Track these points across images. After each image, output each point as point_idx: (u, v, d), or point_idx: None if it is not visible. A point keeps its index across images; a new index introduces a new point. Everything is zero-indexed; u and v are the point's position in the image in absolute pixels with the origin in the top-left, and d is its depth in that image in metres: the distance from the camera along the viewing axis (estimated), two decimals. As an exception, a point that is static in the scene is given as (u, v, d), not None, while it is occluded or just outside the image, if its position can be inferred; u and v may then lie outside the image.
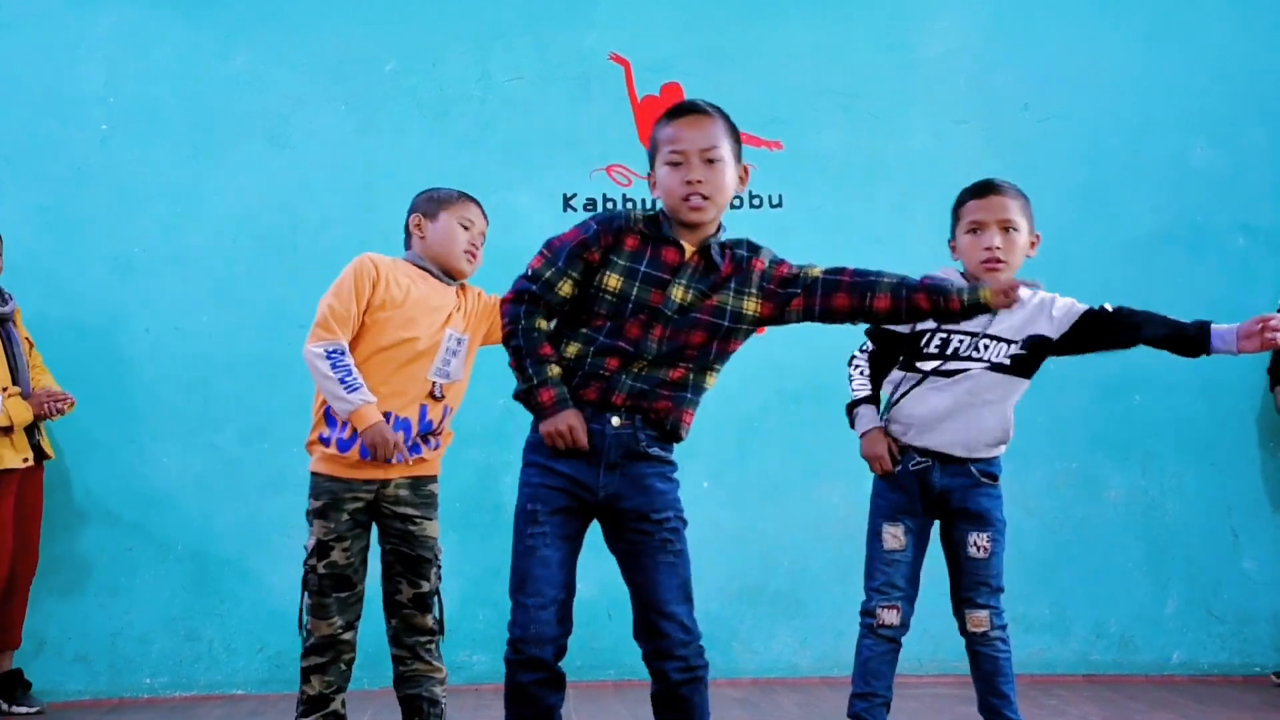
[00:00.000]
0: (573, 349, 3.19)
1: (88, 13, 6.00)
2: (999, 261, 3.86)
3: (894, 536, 3.89)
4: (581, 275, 3.19)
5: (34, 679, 5.57)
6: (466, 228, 4.15)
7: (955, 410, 3.86)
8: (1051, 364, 5.85)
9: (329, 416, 4.02)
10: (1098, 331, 3.92)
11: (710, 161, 3.21)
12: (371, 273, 4.02)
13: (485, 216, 4.24)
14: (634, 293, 3.18)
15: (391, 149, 5.96)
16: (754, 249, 3.34)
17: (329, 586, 4.00)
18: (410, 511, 4.07)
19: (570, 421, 3.11)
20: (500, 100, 6.06)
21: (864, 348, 4.05)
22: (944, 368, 3.87)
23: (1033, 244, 3.97)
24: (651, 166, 3.30)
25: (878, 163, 6.01)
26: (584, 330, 3.19)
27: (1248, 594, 6.04)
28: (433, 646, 4.11)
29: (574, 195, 6.00)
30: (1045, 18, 6.22)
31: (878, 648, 3.91)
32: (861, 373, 4.02)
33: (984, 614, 3.87)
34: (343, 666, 4.04)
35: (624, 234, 3.23)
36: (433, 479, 4.13)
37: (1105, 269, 6.07)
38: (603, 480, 3.18)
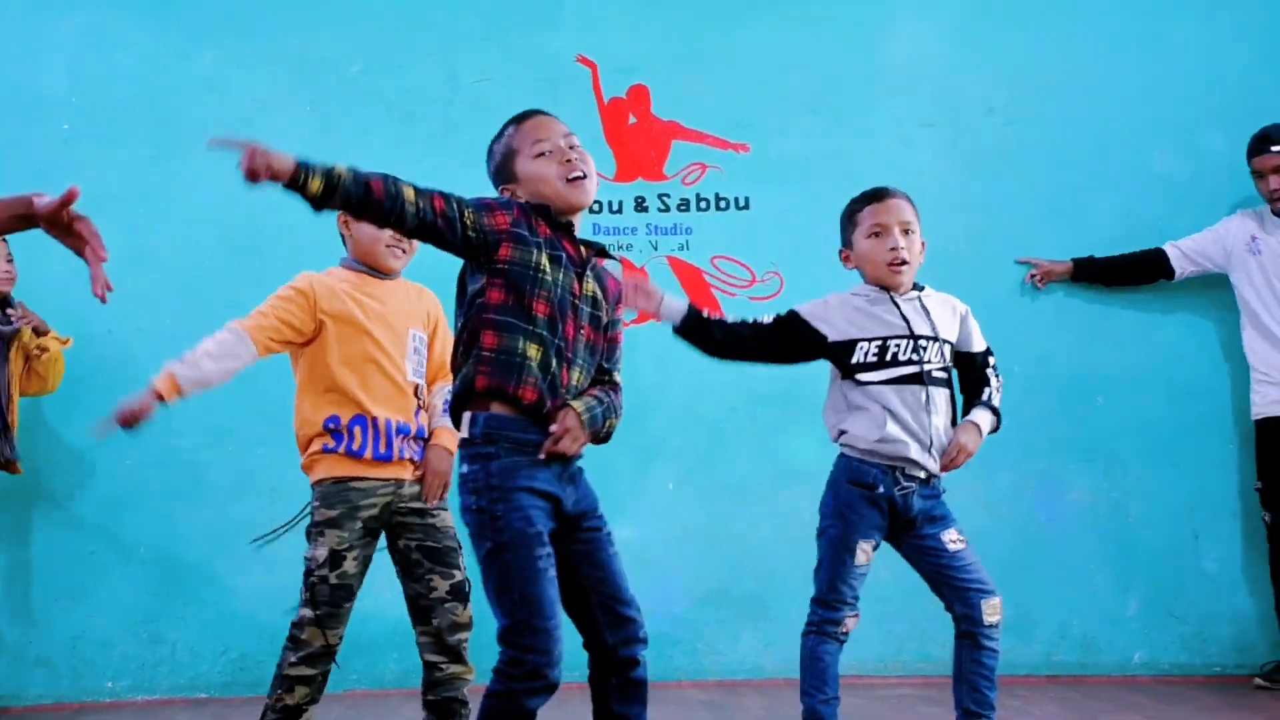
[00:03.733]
0: (534, 350, 3.13)
1: (51, 13, 5.97)
2: (904, 262, 3.93)
3: (866, 554, 3.90)
4: (479, 231, 3.13)
5: (-6, 683, 5.55)
6: None
7: (933, 424, 3.88)
8: (1016, 366, 5.93)
9: (332, 430, 3.98)
10: (970, 369, 4.02)
11: (573, 147, 3.29)
12: (309, 291, 4.02)
13: None
14: (563, 281, 3.19)
15: (358, 151, 5.86)
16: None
17: (340, 597, 3.95)
18: (426, 505, 4.04)
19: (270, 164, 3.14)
20: (467, 102, 6.05)
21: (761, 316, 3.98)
22: (897, 375, 3.89)
23: (921, 248, 4.01)
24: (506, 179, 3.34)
25: (844, 166, 6.03)
26: (533, 328, 3.14)
27: (1209, 594, 6.07)
28: (468, 644, 4.06)
29: (540, 197, 5.99)
30: (1010, 22, 6.25)
31: (838, 653, 3.92)
32: (723, 319, 3.93)
33: (998, 600, 3.86)
34: (321, 679, 4.00)
35: (527, 212, 3.23)
36: None
37: (1069, 273, 6.12)
38: (568, 490, 3.18)
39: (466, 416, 3.14)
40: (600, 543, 3.23)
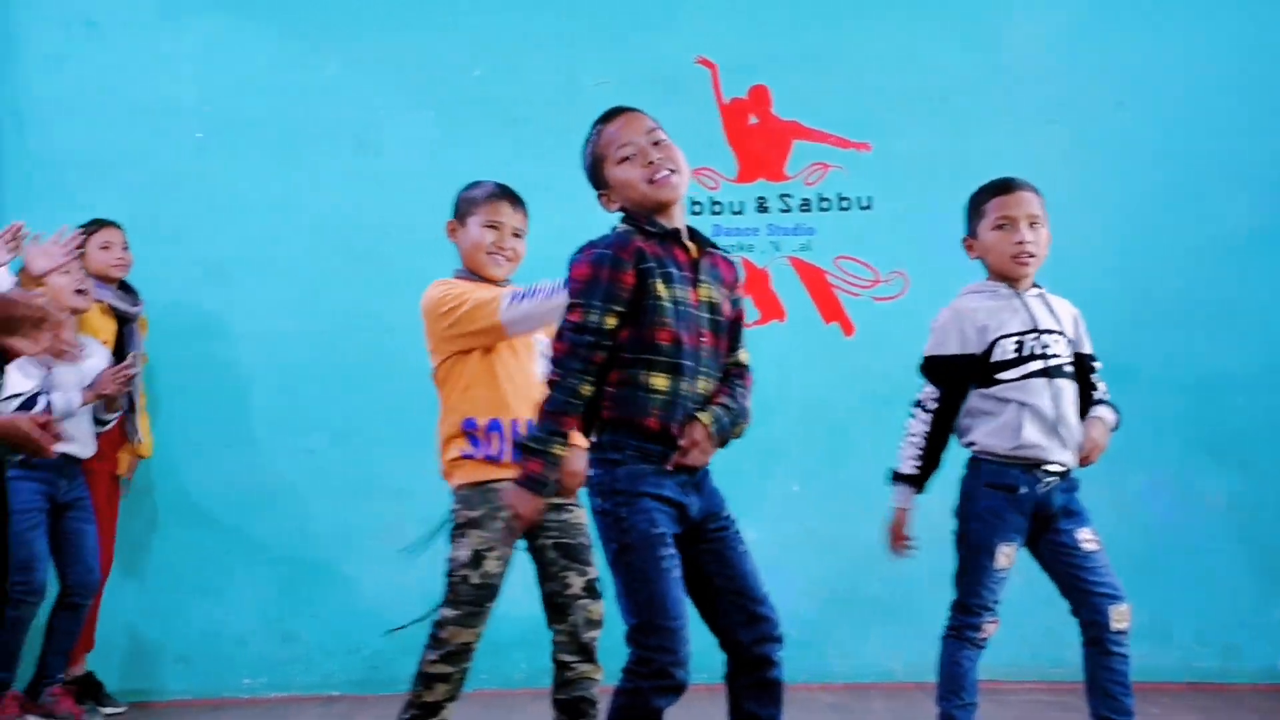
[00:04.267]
0: (659, 381, 3.12)
1: (180, 24, 6.11)
2: (1030, 255, 3.87)
3: (1008, 557, 3.84)
4: (628, 306, 3.14)
5: (135, 679, 5.71)
6: (495, 227, 4.06)
7: (1064, 417, 3.82)
8: (1147, 366, 5.81)
9: (467, 435, 4.00)
10: (1081, 375, 3.94)
11: (657, 143, 3.25)
12: (459, 284, 4.04)
13: (522, 209, 4.12)
14: (684, 297, 3.17)
15: (477, 155, 5.98)
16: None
17: (483, 596, 3.98)
18: (563, 501, 4.05)
19: (540, 508, 3.15)
20: (586, 105, 5.97)
21: (924, 400, 3.99)
22: (1031, 370, 3.83)
23: (1047, 242, 3.94)
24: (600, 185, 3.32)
25: (967, 164, 5.90)
26: (658, 358, 3.12)
27: (1354, 599, 5.91)
28: (598, 643, 4.04)
29: (660, 200, 6.00)
30: (1137, 14, 6.12)
31: (976, 659, 3.86)
32: (918, 438, 3.99)
33: (1127, 607, 3.79)
34: (460, 676, 4.02)
35: (638, 245, 3.18)
36: None
37: (1199, 271, 5.98)
38: (692, 498, 3.17)
39: (595, 427, 3.18)
40: (729, 541, 3.21)
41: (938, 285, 5.86)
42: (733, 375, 3.28)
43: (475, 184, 4.19)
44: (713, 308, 3.21)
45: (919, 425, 3.97)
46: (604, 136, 3.30)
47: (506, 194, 4.13)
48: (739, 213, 6.09)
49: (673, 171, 3.21)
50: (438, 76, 6.12)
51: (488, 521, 3.96)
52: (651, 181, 3.20)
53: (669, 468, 3.11)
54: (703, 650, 3.12)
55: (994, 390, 3.84)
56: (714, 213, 6.05)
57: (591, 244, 3.17)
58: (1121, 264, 5.96)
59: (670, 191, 3.21)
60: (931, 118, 6.09)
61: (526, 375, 4.02)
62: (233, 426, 5.94)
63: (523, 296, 3.87)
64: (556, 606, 4.04)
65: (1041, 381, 3.82)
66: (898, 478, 4.03)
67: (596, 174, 3.31)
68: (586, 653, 4.00)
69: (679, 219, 3.24)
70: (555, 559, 4.02)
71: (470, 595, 3.94)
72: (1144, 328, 5.81)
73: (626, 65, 6.09)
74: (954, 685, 3.85)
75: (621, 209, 3.26)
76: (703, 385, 3.17)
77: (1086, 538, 3.83)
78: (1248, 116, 6.05)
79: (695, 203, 6.00)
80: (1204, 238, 5.99)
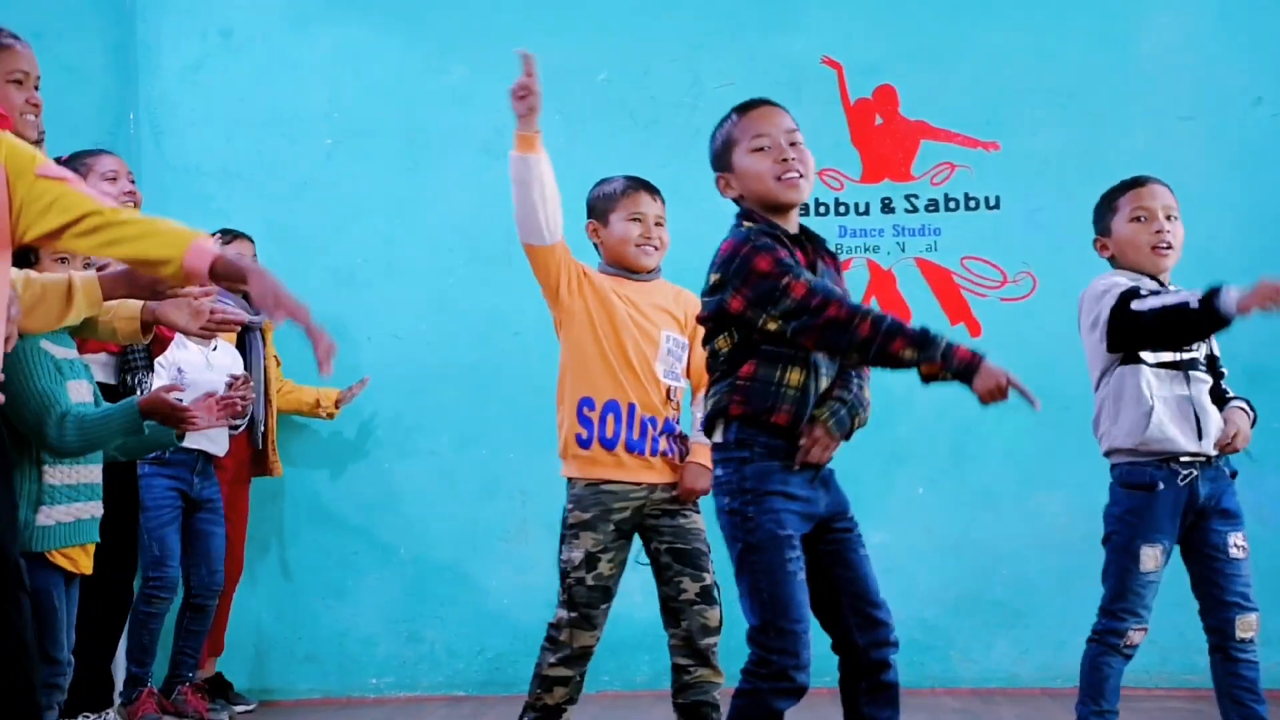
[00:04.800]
0: (795, 376, 3.11)
1: (310, 33, 6.22)
2: (1169, 246, 3.83)
3: (1153, 559, 3.76)
4: None
5: (266, 677, 5.82)
6: (638, 220, 4.10)
7: (1202, 408, 3.75)
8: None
9: (582, 416, 4.02)
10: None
11: (794, 144, 3.22)
12: (584, 268, 4.08)
13: (659, 197, 4.16)
14: None
15: (604, 158, 5.97)
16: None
17: (597, 598, 4.00)
18: (678, 507, 4.06)
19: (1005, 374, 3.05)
20: (711, 107, 6.02)
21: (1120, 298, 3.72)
22: (1171, 359, 3.76)
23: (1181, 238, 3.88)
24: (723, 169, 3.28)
25: (1097, 162, 5.83)
26: (795, 353, 3.10)
27: None
28: (717, 648, 4.06)
29: (785, 200, 5.98)
30: (1274, 6, 5.98)
31: (1120, 666, 3.79)
32: (1162, 301, 3.65)
33: (1255, 617, 3.72)
34: (579, 679, 4.04)
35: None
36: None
37: (1341, 268, 5.82)
38: (819, 494, 3.15)
39: (720, 423, 3.16)
40: (851, 543, 3.20)
41: (1066, 286, 5.77)
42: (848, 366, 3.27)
43: (604, 181, 4.24)
44: None
45: (1151, 301, 3.66)
46: (742, 122, 3.28)
47: (643, 184, 4.18)
48: (864, 213, 6.05)
49: (802, 175, 3.20)
50: (563, 80, 6.13)
51: (599, 524, 3.97)
52: (780, 179, 3.19)
53: (795, 466, 3.10)
54: (822, 654, 3.11)
55: (1137, 370, 3.75)
56: (839, 213, 6.02)
57: (740, 240, 3.14)
58: (1257, 264, 5.75)
59: (796, 194, 3.21)
60: (1060, 115, 6.00)
61: (644, 371, 4.03)
62: (360, 430, 6.03)
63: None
64: (671, 611, 4.04)
65: (1177, 372, 3.76)
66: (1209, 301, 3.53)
67: (723, 156, 3.30)
68: (702, 658, 4.00)
69: (794, 221, 3.24)
70: (670, 563, 4.02)
71: (585, 598, 3.95)
72: (1280, 327, 5.67)
73: (752, 66, 6.08)
74: (1093, 691, 3.79)
75: (738, 198, 3.26)
76: (824, 384, 3.16)
77: (1237, 543, 3.76)
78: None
79: (820, 204, 5.97)
80: (1346, 238, 5.83)
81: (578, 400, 4.02)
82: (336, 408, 5.77)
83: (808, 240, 3.25)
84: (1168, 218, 3.85)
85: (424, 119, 6.15)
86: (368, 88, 6.18)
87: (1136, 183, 3.91)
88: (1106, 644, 3.78)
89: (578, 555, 3.96)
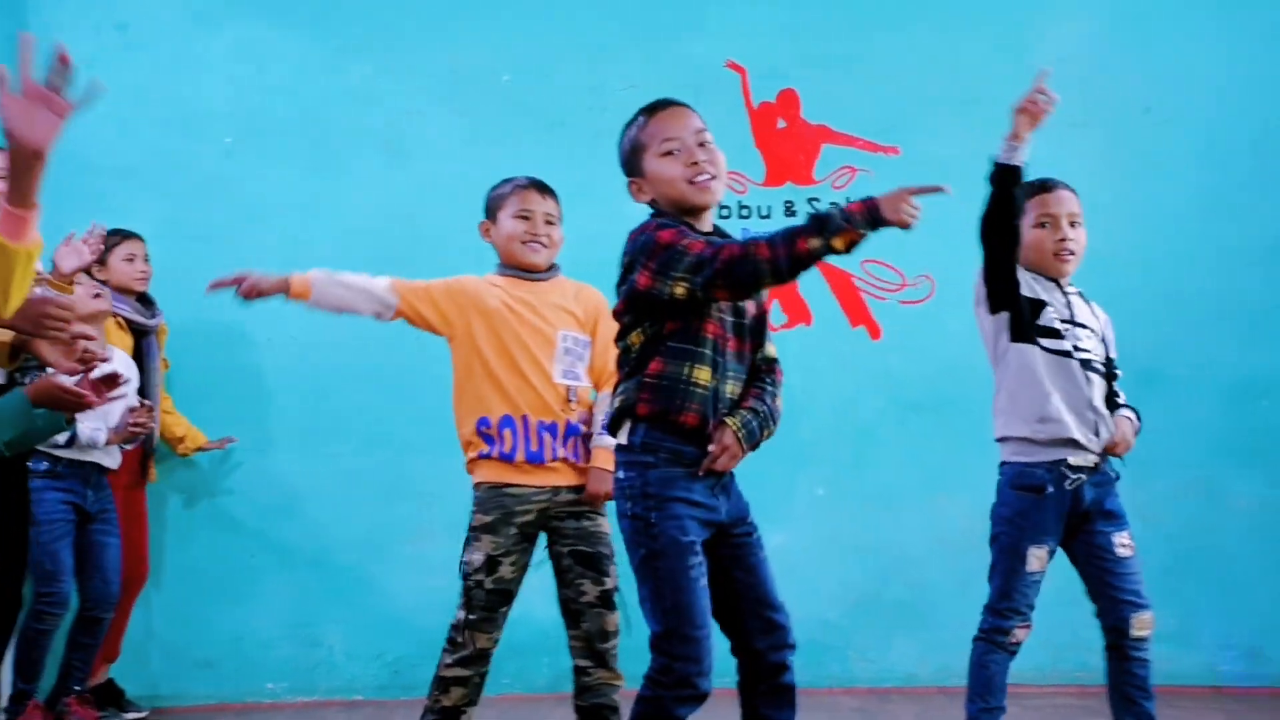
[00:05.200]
0: (703, 374, 3.10)
1: (211, 29, 6.14)
2: (1071, 253, 3.93)
3: (1039, 560, 3.83)
4: None
5: (159, 684, 5.71)
6: (526, 217, 4.09)
7: (1097, 400, 3.82)
8: (1175, 369, 5.80)
9: (480, 433, 4.02)
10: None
11: (703, 144, 3.21)
12: (468, 286, 4.09)
13: (551, 196, 4.15)
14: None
15: (507, 160, 5.93)
16: None
17: (496, 601, 3.99)
18: (584, 509, 4.05)
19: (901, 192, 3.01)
20: (615, 110, 5.98)
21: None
22: (1064, 348, 3.83)
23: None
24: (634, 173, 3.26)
25: (995, 168, 5.94)
26: (703, 351, 3.10)
27: (1381, 604, 5.89)
28: (616, 651, 4.07)
29: (688, 203, 6.00)
30: (1164, 20, 6.12)
31: (1006, 664, 3.86)
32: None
33: (1149, 615, 3.80)
34: (478, 680, 4.03)
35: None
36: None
37: (1230, 275, 5.97)
38: (721, 501, 3.16)
39: (626, 425, 3.15)
40: (751, 548, 3.21)
41: (964, 289, 5.82)
42: (763, 373, 3.27)
43: (502, 181, 4.23)
44: (738, 311, 3.20)
45: None
46: (650, 126, 3.26)
47: (534, 183, 4.18)
48: (766, 216, 6.09)
49: (714, 176, 3.19)
50: (467, 82, 6.14)
51: (501, 526, 3.96)
52: (692, 182, 3.18)
53: (700, 473, 3.10)
54: (724, 654, 3.13)
55: (1035, 352, 3.82)
56: (742, 216, 6.05)
57: (656, 220, 3.16)
58: (1151, 268, 5.94)
59: (709, 196, 3.20)
60: (960, 121, 6.08)
61: (537, 373, 4.03)
62: (261, 431, 5.95)
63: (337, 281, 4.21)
64: (571, 613, 4.05)
65: (1076, 365, 3.83)
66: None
67: (633, 161, 3.27)
68: (602, 660, 4.01)
69: (709, 223, 3.23)
70: (571, 565, 4.03)
71: (484, 600, 3.95)
72: (1173, 331, 5.81)
73: (656, 69, 6.10)
74: (982, 689, 3.86)
75: (651, 202, 3.24)
76: (731, 388, 3.17)
77: (1122, 542, 3.84)
78: (1273, 119, 6.04)
79: (724, 206, 5.99)
80: (1233, 242, 5.98)
81: (474, 420, 4.03)
82: (193, 451, 5.73)
83: (721, 240, 3.21)
84: (1071, 224, 3.94)
85: (326, 119, 6.10)
86: (269, 86, 6.12)
87: (1044, 188, 4.01)
88: (993, 642, 3.85)
89: (478, 558, 3.96)
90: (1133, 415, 3.94)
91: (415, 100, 6.11)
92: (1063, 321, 3.87)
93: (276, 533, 5.93)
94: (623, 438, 3.16)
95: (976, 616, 3.93)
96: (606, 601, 4.02)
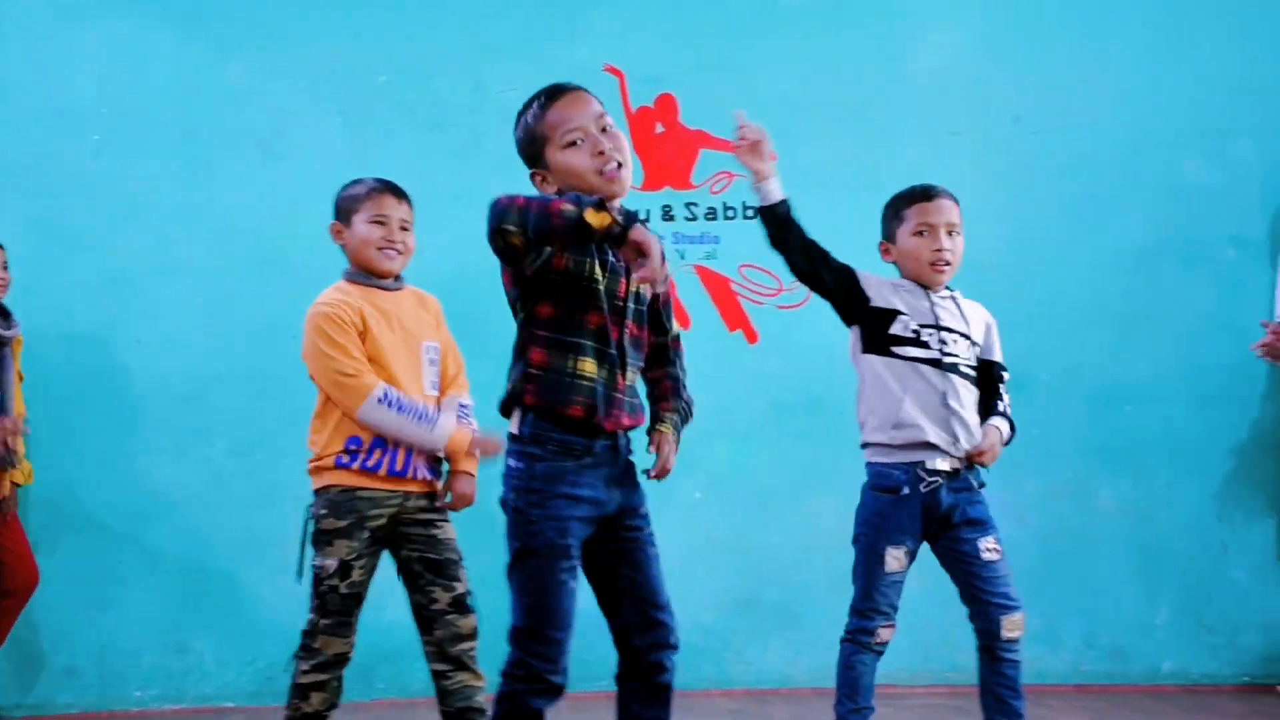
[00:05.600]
0: (588, 366, 3.10)
1: (79, 25, 6.00)
2: (947, 263, 3.95)
3: (897, 560, 3.89)
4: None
5: (23, 692, 5.58)
6: (381, 222, 4.01)
7: (959, 404, 3.88)
8: (1044, 374, 5.92)
9: (349, 450, 3.96)
10: (986, 381, 4.02)
11: (605, 130, 3.16)
12: (348, 314, 3.96)
13: (406, 201, 4.07)
14: (611, 286, 3.12)
15: (385, 161, 5.89)
16: None
17: (351, 605, 3.95)
18: (431, 517, 4.03)
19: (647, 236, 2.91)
20: (495, 112, 6.02)
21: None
22: (925, 356, 3.88)
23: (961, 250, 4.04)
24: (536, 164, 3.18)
25: (872, 174, 6.00)
26: (585, 342, 3.09)
27: (1238, 604, 6.05)
28: (475, 653, 4.05)
29: (567, 207, 5.99)
30: (1039, 30, 6.23)
31: (873, 664, 3.91)
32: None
33: (1020, 616, 3.86)
34: (336, 684, 4.00)
35: None
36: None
37: (1098, 282, 6.10)
38: (613, 494, 3.16)
39: (516, 413, 3.13)
40: (640, 543, 3.21)
41: (840, 295, 5.93)
42: (669, 352, 3.33)
43: (354, 182, 4.16)
44: (639, 298, 3.19)
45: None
46: (550, 115, 3.17)
47: (389, 187, 4.08)
48: (644, 221, 6.09)
49: (621, 165, 3.14)
50: (344, 81, 6.07)
51: (355, 531, 3.93)
52: (601, 173, 3.11)
53: (651, 476, 3.14)
54: (599, 658, 3.13)
55: (887, 362, 3.88)
56: (620, 221, 6.06)
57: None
58: (1021, 275, 6.05)
59: (619, 187, 3.14)
60: (837, 128, 6.15)
61: (413, 389, 3.99)
62: (130, 435, 5.84)
63: (397, 404, 3.86)
64: (423, 619, 4.03)
65: (933, 370, 3.88)
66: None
67: (533, 153, 3.19)
68: (459, 663, 4.00)
69: (616, 210, 3.14)
70: (421, 572, 4.01)
71: (339, 605, 3.92)
72: (1042, 337, 5.91)
73: (535, 71, 5.98)
74: (848, 689, 3.91)
75: (558, 193, 3.14)
76: (630, 377, 3.17)
77: (989, 547, 3.90)
78: (1141, 130, 6.18)
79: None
80: (1101, 249, 6.11)
81: (343, 438, 3.97)
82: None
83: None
84: (949, 233, 3.96)
85: (200, 117, 5.99)
86: (141, 83, 6.00)
87: (924, 195, 4.02)
88: (858, 643, 3.90)
89: (332, 563, 3.92)
90: (1004, 426, 3.99)
91: (292, 100, 6.03)
92: (925, 327, 3.91)
93: (145, 537, 5.81)
94: (513, 426, 3.14)
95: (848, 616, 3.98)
96: (459, 606, 4.01)
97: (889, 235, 4.06)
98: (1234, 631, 6.04)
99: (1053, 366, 5.95)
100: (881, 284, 3.97)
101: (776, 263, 3.85)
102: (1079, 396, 6.05)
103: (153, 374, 5.85)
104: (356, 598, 3.95)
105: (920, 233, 3.97)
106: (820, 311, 5.77)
